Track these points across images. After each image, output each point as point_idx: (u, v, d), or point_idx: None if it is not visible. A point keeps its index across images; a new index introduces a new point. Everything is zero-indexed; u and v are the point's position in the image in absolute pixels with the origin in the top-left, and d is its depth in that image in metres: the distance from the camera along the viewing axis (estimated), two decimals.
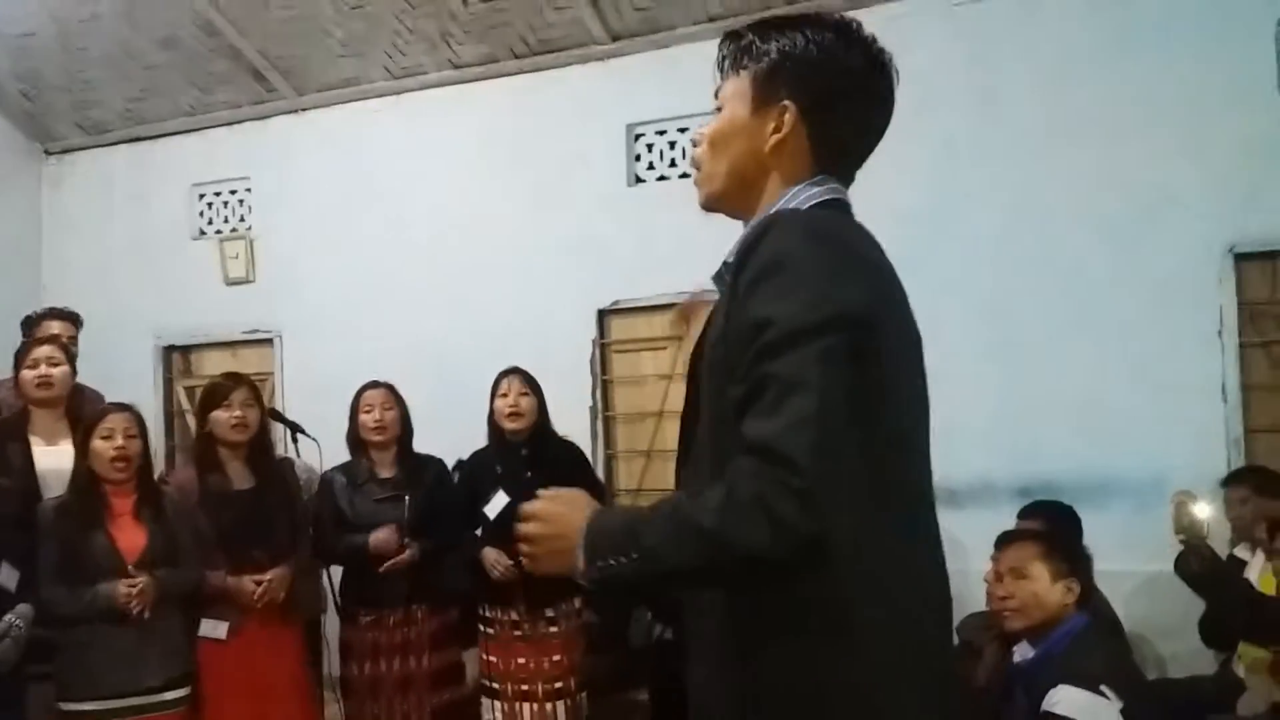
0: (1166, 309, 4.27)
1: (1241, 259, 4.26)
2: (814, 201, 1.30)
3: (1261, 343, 4.26)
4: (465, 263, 5.38)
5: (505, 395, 3.63)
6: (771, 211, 1.30)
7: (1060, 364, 4.37)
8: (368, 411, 3.64)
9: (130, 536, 2.99)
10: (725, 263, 1.33)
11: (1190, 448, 4.10)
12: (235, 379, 3.40)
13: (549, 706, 3.44)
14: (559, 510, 1.22)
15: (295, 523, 3.35)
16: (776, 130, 1.32)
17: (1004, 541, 2.70)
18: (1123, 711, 2.28)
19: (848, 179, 1.38)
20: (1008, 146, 4.52)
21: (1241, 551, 3.68)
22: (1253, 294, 4.28)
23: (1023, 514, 3.71)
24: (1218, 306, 4.25)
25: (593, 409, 5.22)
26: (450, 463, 3.90)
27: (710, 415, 1.28)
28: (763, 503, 1.06)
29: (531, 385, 3.67)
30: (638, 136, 5.25)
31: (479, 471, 3.68)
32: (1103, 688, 2.29)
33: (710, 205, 1.42)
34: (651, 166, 5.23)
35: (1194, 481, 3.93)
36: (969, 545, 3.32)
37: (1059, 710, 2.30)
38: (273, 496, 3.29)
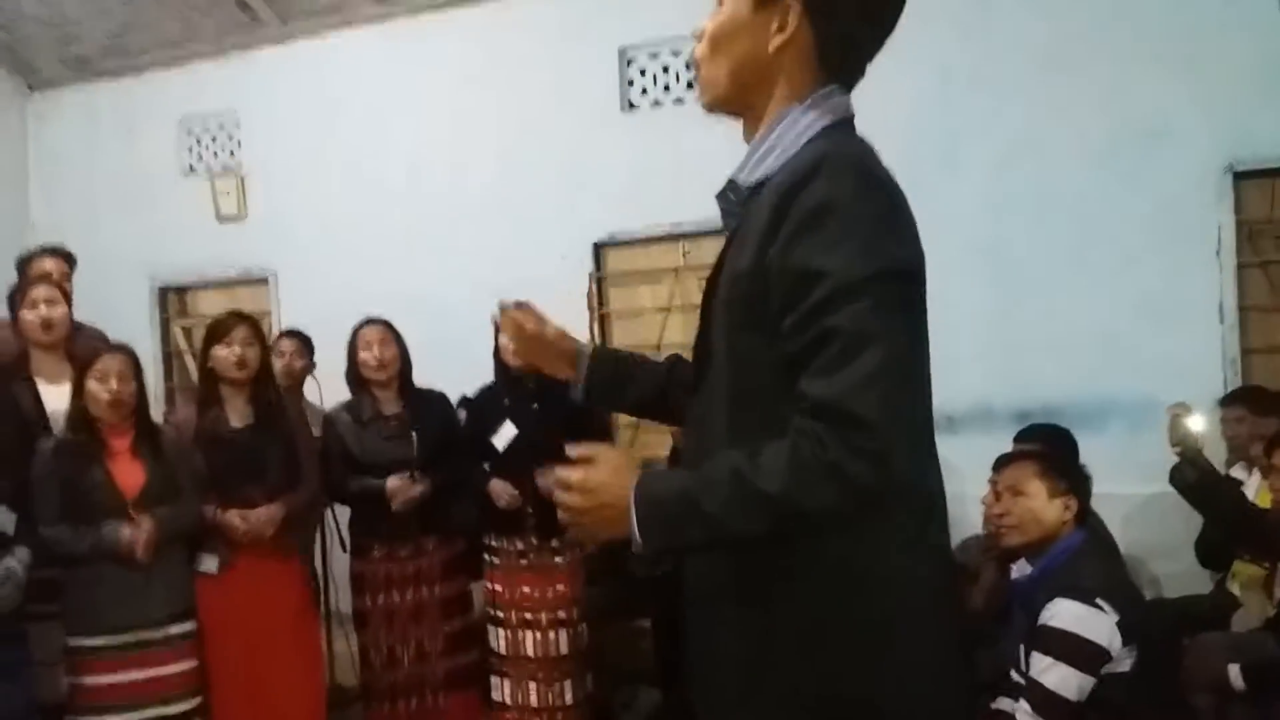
0: (1165, 231, 4.25)
1: (1240, 178, 4.23)
2: (828, 121, 1.25)
3: (1259, 263, 4.26)
4: (456, 195, 5.33)
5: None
6: (801, 141, 1.24)
7: (1058, 289, 4.37)
8: (366, 349, 3.63)
9: (129, 474, 3.00)
10: (731, 181, 1.29)
11: (1187, 369, 4.12)
12: (238, 317, 3.38)
13: (551, 635, 3.49)
14: (601, 479, 1.19)
15: (295, 462, 3.35)
16: (780, 30, 1.26)
17: (1002, 462, 2.73)
18: (1119, 624, 2.33)
19: (853, 82, 1.33)
20: (1006, 74, 4.46)
21: (1238, 471, 3.73)
22: (1251, 213, 4.27)
23: (1019, 436, 3.74)
24: (1216, 227, 4.23)
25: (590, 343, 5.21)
26: (452, 399, 3.90)
27: (727, 351, 1.25)
28: (836, 466, 1.06)
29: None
30: (630, 60, 5.16)
31: (486, 405, 3.68)
32: (1099, 601, 2.33)
33: (713, 108, 1.37)
34: (645, 91, 5.14)
35: (1191, 402, 3.97)
36: (966, 470, 3.35)
37: (1056, 623, 2.34)
38: (269, 435, 3.28)
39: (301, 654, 3.34)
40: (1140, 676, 2.35)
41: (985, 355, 4.41)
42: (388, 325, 3.70)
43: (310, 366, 4.25)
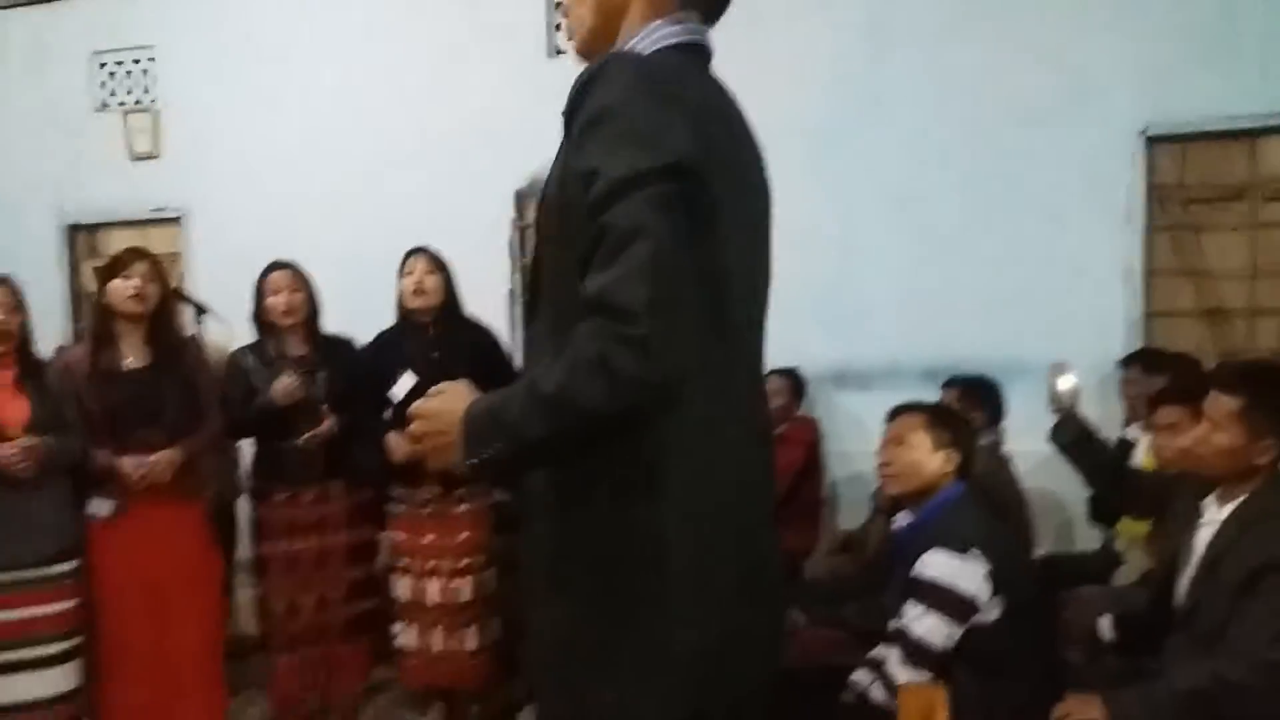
0: (1080, 192, 4.32)
1: (1153, 142, 4.29)
2: (665, 43, 1.26)
3: (1167, 226, 4.34)
4: (377, 139, 5.23)
5: (410, 274, 3.57)
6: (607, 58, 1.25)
7: (972, 248, 4.43)
8: (274, 294, 3.55)
9: (12, 407, 2.92)
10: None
11: (1092, 330, 4.22)
12: (137, 252, 3.29)
13: (455, 583, 3.49)
14: (439, 405, 1.22)
15: (195, 404, 3.29)
16: None
17: (893, 414, 2.75)
18: (990, 575, 2.38)
19: (714, 11, 1.33)
20: (933, 30, 4.46)
21: (1134, 432, 3.82)
22: (1161, 177, 4.34)
23: (946, 384, 3.82)
24: (1126, 189, 4.30)
25: (511, 293, 5.18)
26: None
27: (547, 268, 1.27)
28: (602, 357, 1.06)
29: (438, 264, 3.61)
30: (558, 4, 5.07)
31: (385, 352, 3.63)
32: (971, 551, 2.38)
33: (586, 52, 1.37)
34: (572, 36, 5.06)
35: (1094, 363, 4.06)
36: (876, 425, 3.40)
37: (927, 573, 2.39)
38: (167, 376, 3.21)
39: (199, 602, 3.29)
40: (1008, 626, 2.41)
41: (897, 312, 4.46)
42: (295, 270, 3.63)
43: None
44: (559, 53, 5.09)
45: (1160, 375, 3.52)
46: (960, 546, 2.40)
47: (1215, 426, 2.20)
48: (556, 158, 1.26)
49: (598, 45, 1.35)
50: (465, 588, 3.51)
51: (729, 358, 1.26)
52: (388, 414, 3.53)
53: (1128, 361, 4.00)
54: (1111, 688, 2.27)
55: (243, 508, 3.79)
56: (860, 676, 2.48)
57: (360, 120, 5.27)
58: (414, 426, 1.24)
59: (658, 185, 1.10)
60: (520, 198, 5.14)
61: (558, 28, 5.09)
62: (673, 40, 1.26)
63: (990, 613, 2.40)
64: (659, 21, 1.27)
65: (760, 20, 4.27)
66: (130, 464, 3.08)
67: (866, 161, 4.50)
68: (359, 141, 5.26)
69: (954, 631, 2.38)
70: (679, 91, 1.19)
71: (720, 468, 1.24)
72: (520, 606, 1.41)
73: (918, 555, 2.45)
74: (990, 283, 4.37)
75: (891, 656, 2.42)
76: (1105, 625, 2.66)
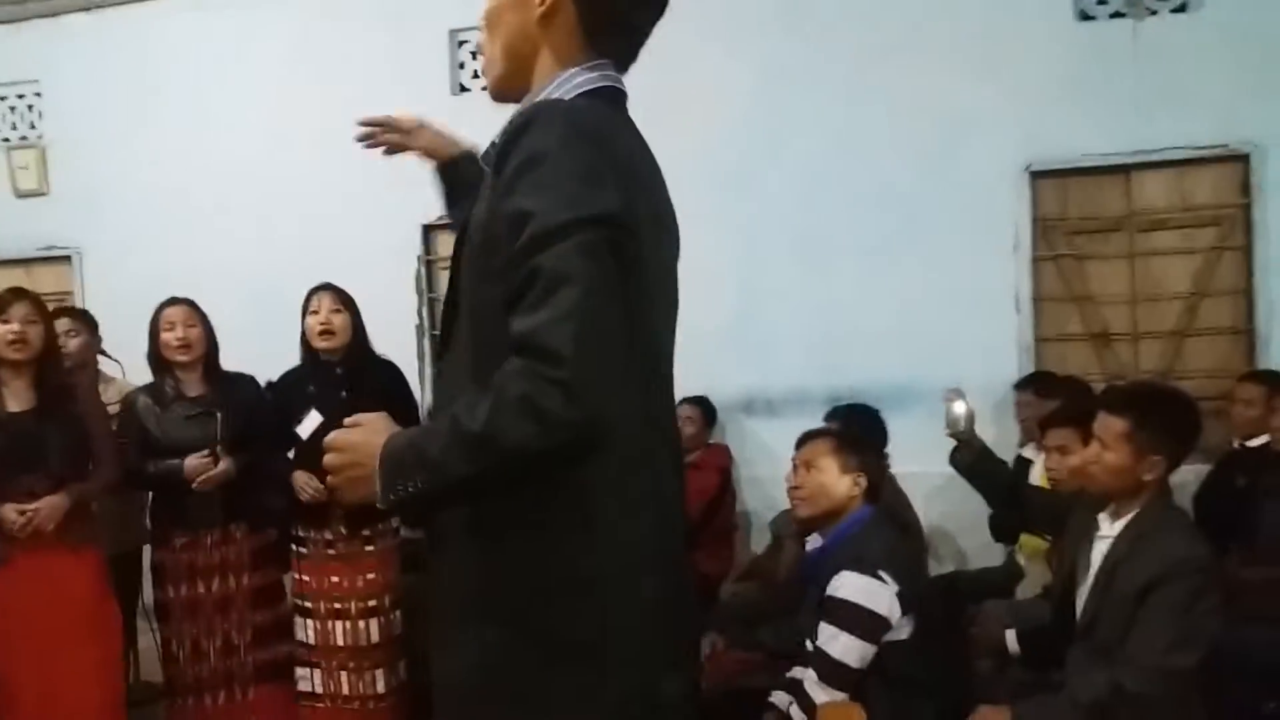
0: (968, 226, 4.50)
1: (1037, 176, 4.52)
2: (583, 90, 1.27)
3: (1052, 256, 4.56)
4: (277, 175, 5.14)
5: (316, 312, 3.51)
6: (538, 99, 1.27)
7: (871, 280, 4.57)
8: (169, 330, 3.45)
9: None
10: (492, 143, 1.30)
11: (986, 356, 4.38)
12: (17, 293, 3.15)
13: (362, 625, 3.42)
14: (356, 438, 1.21)
15: (83, 448, 3.16)
16: (541, 1, 1.29)
17: (802, 439, 2.81)
18: (899, 595, 2.45)
19: (626, 59, 1.35)
20: (827, 72, 4.62)
21: (1028, 452, 3.99)
22: (1046, 210, 4.56)
23: (828, 416, 3.90)
24: (1014, 222, 4.50)
25: (419, 327, 5.14)
26: (264, 384, 3.76)
27: (469, 304, 1.27)
28: (528, 398, 1.07)
29: (345, 302, 3.55)
30: (461, 43, 5.10)
31: (291, 391, 3.55)
32: (880, 573, 2.44)
33: (498, 93, 1.38)
34: (477, 75, 5.08)
35: (988, 387, 4.23)
36: (783, 451, 3.45)
37: (840, 594, 2.44)
38: (53, 420, 3.08)
39: (95, 652, 3.15)
40: (918, 644, 2.48)
41: (802, 341, 4.57)
42: (192, 305, 3.53)
43: (93, 344, 4.01)
44: (463, 89, 5.10)
45: (1052, 398, 3.69)
46: (870, 569, 2.45)
47: (1105, 446, 2.31)
48: (480, 198, 1.27)
49: (510, 87, 1.36)
50: (373, 629, 3.44)
51: (653, 395, 1.29)
52: (293, 453, 3.45)
53: (1021, 385, 4.17)
54: (1018, 699, 2.35)
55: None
56: (779, 697, 2.51)
57: (255, 154, 5.17)
58: (329, 458, 1.22)
59: (589, 233, 1.12)
60: (427, 232, 5.11)
61: (461, 66, 5.11)
62: (590, 86, 1.28)
63: (901, 631, 2.47)
64: (574, 69, 1.29)
65: (665, 64, 4.31)
66: (11, 511, 2.94)
67: (770, 200, 4.62)
68: (255, 176, 5.16)
69: (868, 651, 2.43)
70: (608, 141, 1.21)
71: (646, 502, 1.26)
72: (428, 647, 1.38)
73: (830, 577, 2.50)
74: (890, 313, 4.51)
75: (809, 677, 2.46)
76: (1010, 638, 2.75)
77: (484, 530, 1.23)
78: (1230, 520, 3.42)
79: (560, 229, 1.11)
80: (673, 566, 1.31)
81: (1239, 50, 4.18)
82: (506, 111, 1.29)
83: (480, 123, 5.15)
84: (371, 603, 3.42)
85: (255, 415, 3.51)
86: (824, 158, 4.62)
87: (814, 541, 2.69)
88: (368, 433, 1.20)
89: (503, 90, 1.38)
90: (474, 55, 5.09)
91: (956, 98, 4.48)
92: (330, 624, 3.41)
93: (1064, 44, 4.42)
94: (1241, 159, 4.29)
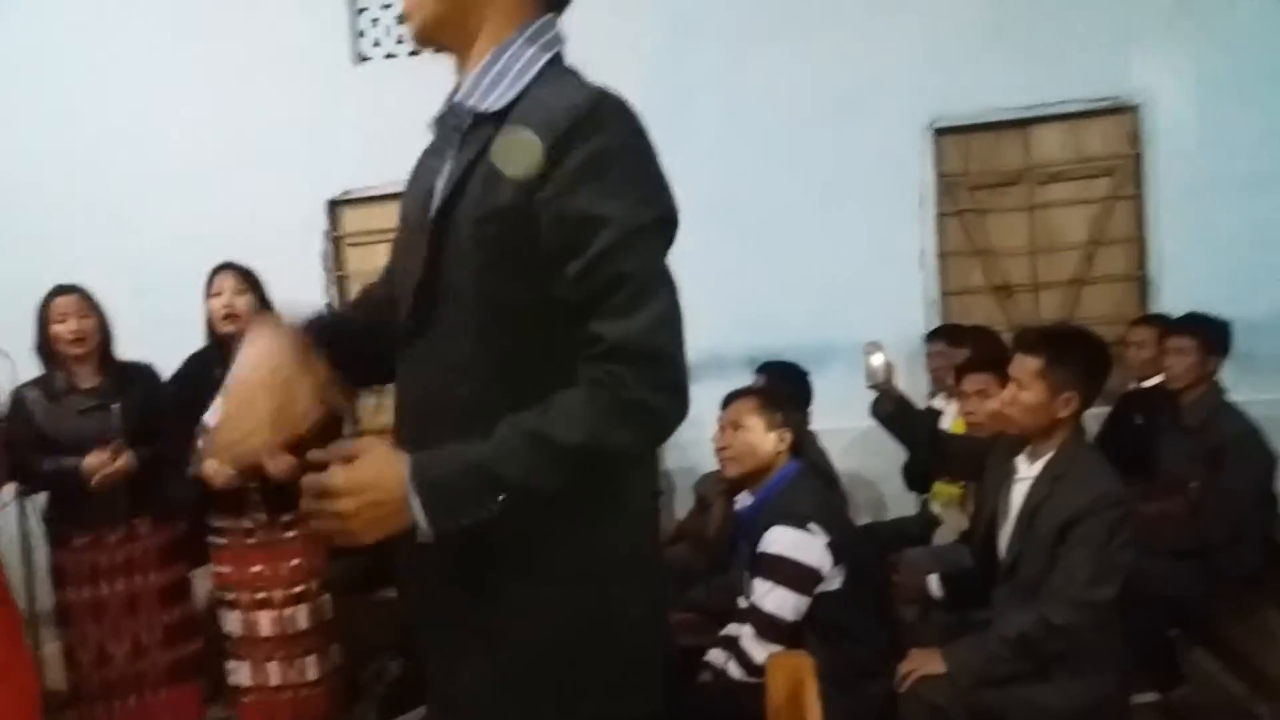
0: (875, 184, 4.57)
1: (940, 134, 4.60)
2: (552, 54, 1.26)
3: (955, 212, 4.67)
4: (172, 150, 4.92)
5: (219, 294, 3.36)
6: (529, 74, 1.23)
7: (783, 240, 4.61)
8: (61, 321, 3.27)
9: None
10: (458, 105, 1.25)
11: (895, 310, 4.47)
12: None
13: (288, 612, 3.32)
14: (367, 476, 1.11)
15: None
16: None
17: (727, 400, 2.83)
18: (829, 546, 2.49)
19: (564, 6, 1.32)
20: (735, 31, 4.61)
21: (939, 402, 4.09)
22: (948, 166, 4.66)
23: (758, 371, 3.96)
24: (919, 179, 4.59)
25: (329, 306, 4.98)
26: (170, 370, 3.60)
27: (476, 293, 1.20)
28: (643, 403, 1.12)
29: (250, 282, 3.42)
30: (361, 10, 4.94)
31: (198, 376, 3.40)
32: (810, 525, 2.48)
33: (424, 36, 1.29)
34: (378, 44, 4.93)
35: (899, 341, 4.30)
36: (704, 414, 3.45)
37: (771, 549, 2.47)
38: None
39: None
40: (849, 593, 2.53)
41: (718, 304, 4.53)
42: (83, 294, 3.35)
43: None
44: (364, 59, 4.94)
45: (962, 347, 3.79)
46: (800, 522, 2.49)
47: (1021, 386, 2.39)
48: (492, 176, 1.19)
49: (442, 35, 1.28)
50: (301, 616, 3.35)
51: None
52: (202, 443, 3.32)
53: (931, 337, 4.28)
54: (944, 642, 2.43)
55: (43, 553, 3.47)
56: (715, 655, 2.54)
57: (148, 130, 4.93)
58: (343, 504, 1.10)
59: (663, 235, 1.19)
60: (333, 207, 4.96)
61: (361, 34, 4.94)
62: (556, 51, 1.26)
63: (833, 581, 2.51)
64: (535, 26, 1.24)
65: (565, 21, 4.27)
66: None
67: (678, 160, 4.54)
68: (149, 153, 4.92)
69: (802, 603, 2.47)
70: (651, 140, 1.24)
71: (644, 474, 1.36)
72: (362, 631, 1.36)
73: (761, 533, 2.53)
74: (801, 272, 4.57)
75: (745, 633, 2.49)
76: (934, 583, 2.83)
77: (538, 525, 1.22)
78: (1129, 458, 3.58)
79: (641, 232, 1.16)
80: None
81: (1129, 3, 4.31)
82: (408, 82, 1.24)
83: (381, 94, 5.06)
84: (298, 589, 3.33)
85: (155, 406, 3.38)
86: (732, 116, 4.62)
87: (743, 500, 2.72)
88: (377, 465, 1.12)
89: (432, 35, 1.29)
90: (374, 23, 4.94)
91: (861, 57, 4.53)
92: (255, 614, 3.31)
93: (964, 2, 4.49)
94: (1132, 110, 4.45)
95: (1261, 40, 4.24)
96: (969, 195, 4.68)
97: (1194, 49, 4.28)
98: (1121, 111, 4.48)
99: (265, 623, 3.32)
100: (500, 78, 1.23)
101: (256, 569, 3.32)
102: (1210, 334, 3.47)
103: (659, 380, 1.13)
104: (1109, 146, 4.55)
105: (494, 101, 1.22)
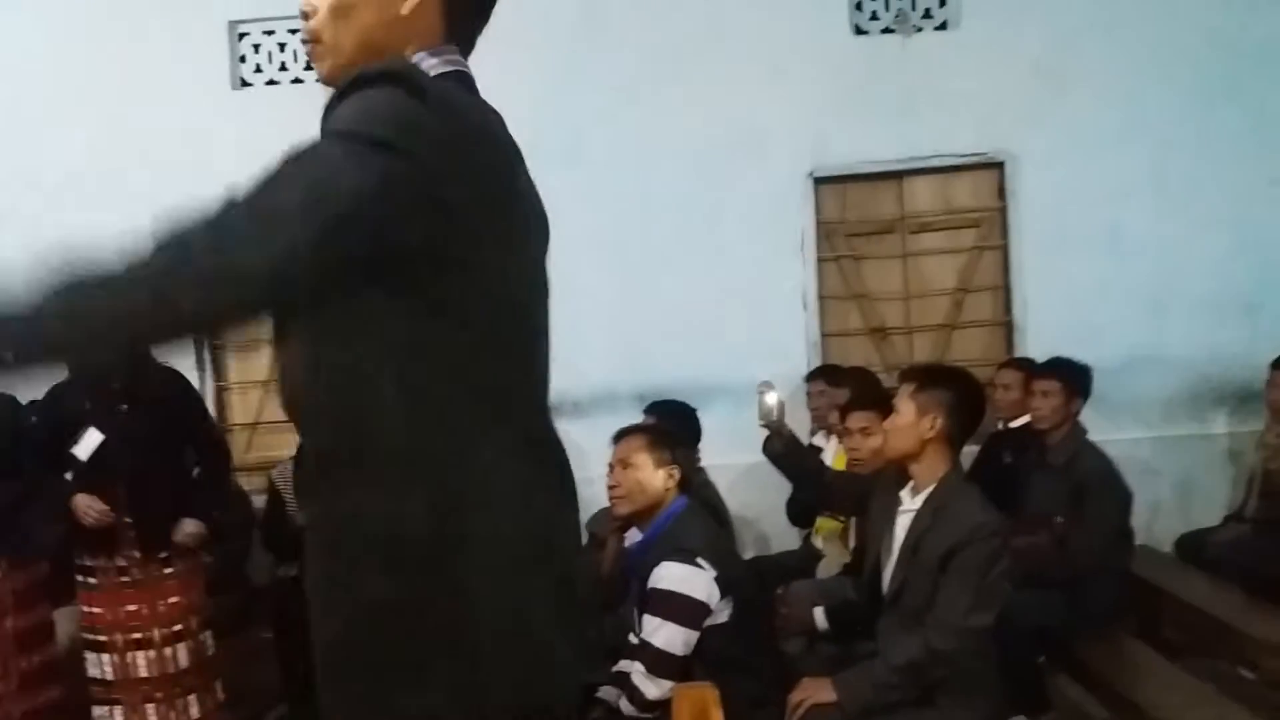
0: (760, 228, 4.72)
1: (819, 182, 4.79)
2: (434, 72, 1.20)
3: (834, 257, 4.85)
4: (44, 172, 4.67)
5: None
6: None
7: (671, 281, 4.70)
8: None
9: None
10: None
11: (779, 351, 4.61)
12: None
13: (168, 651, 3.18)
14: None
15: None
16: None
17: (617, 437, 2.85)
18: (717, 580, 2.53)
19: (469, 48, 1.29)
20: (622, 76, 4.70)
21: (819, 439, 4.22)
22: (827, 214, 4.85)
23: (647, 410, 4.00)
24: (799, 226, 4.76)
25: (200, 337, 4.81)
26: (24, 401, 3.41)
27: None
28: (224, 251, 1.00)
29: None
30: (242, 35, 4.83)
31: (63, 407, 3.24)
32: (699, 560, 2.51)
33: (332, 79, 1.24)
34: (259, 70, 4.83)
35: (782, 380, 4.41)
36: (593, 451, 3.47)
37: (662, 585, 2.50)
38: None
39: None
40: (738, 626, 2.57)
41: (608, 343, 4.63)
42: None
43: None
44: (245, 84, 4.84)
45: (842, 387, 3.93)
46: (689, 558, 2.52)
47: (896, 411, 2.52)
48: None
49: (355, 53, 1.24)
50: (181, 654, 3.21)
51: (525, 397, 1.22)
52: (71, 475, 3.16)
53: (811, 376, 4.42)
54: (829, 673, 2.49)
55: None
56: (607, 692, 2.54)
57: (29, 153, 4.68)
58: None
59: (386, 162, 1.03)
60: None
61: (242, 59, 4.84)
62: (442, 69, 1.22)
63: (721, 614, 2.55)
64: (422, 54, 1.22)
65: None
66: None
67: (567, 201, 4.58)
68: (27, 175, 4.66)
69: (691, 637, 2.50)
70: (454, 106, 1.15)
71: (522, 511, 1.16)
72: (240, 670, 1.26)
73: (651, 569, 2.55)
74: (689, 312, 4.66)
75: (636, 669, 2.50)
76: (819, 615, 2.90)
77: (353, 569, 1.12)
78: (998, 494, 3.75)
79: (354, 138, 1.05)
80: (560, 573, 1.22)
81: (995, 66, 4.61)
82: (290, 109, 1.20)
83: (260, 120, 4.93)
84: (177, 628, 3.19)
85: (16, 437, 3.20)
86: (620, 159, 4.70)
87: (633, 536, 2.74)
88: None
89: (341, 77, 1.23)
90: (256, 49, 4.84)
91: (744, 106, 4.68)
92: (130, 656, 3.15)
93: (841, 57, 4.72)
94: (997, 165, 4.74)
95: (1118, 102, 4.59)
96: (846, 242, 4.87)
97: (1056, 110, 4.60)
98: (988, 167, 4.76)
99: (143, 663, 3.18)
100: None
101: (132, 608, 3.18)
102: (1074, 377, 3.70)
103: (266, 236, 1.00)
104: (977, 199, 4.83)
105: None
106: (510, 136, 1.24)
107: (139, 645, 3.17)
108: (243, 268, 1.00)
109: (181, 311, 1.02)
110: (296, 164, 1.05)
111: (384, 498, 1.10)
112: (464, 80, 1.25)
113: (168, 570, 3.20)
